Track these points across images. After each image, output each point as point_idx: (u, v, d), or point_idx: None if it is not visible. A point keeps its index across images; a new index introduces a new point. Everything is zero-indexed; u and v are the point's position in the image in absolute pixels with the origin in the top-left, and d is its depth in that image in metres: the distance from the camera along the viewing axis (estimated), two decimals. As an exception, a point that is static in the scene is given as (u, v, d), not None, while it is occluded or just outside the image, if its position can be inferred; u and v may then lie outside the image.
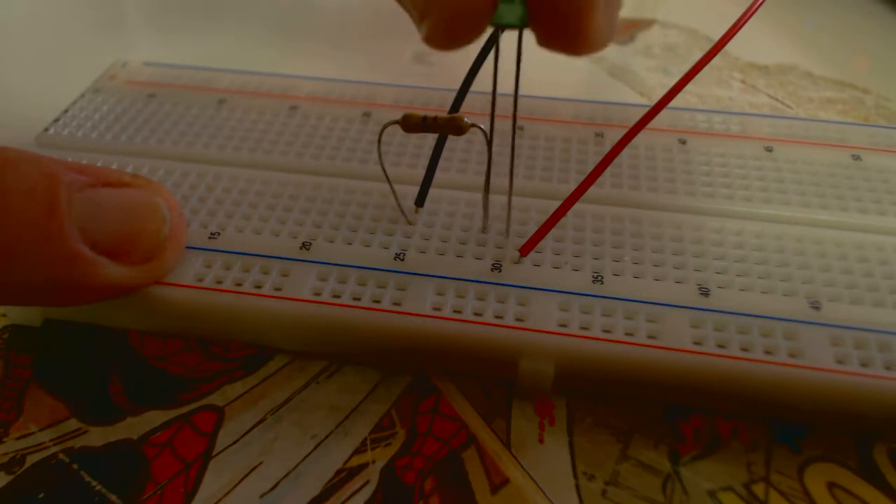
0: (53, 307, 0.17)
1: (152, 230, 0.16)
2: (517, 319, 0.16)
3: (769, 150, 0.20)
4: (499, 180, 0.18)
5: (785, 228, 0.18)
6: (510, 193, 0.17)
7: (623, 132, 0.16)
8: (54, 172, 0.14)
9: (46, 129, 0.21)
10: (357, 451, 0.15)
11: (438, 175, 0.18)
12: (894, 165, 0.20)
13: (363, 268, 0.17)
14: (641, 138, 0.20)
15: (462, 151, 0.20)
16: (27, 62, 0.27)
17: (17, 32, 0.29)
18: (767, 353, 0.15)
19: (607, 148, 0.16)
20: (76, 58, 0.26)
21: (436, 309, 0.16)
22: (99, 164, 0.20)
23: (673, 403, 0.16)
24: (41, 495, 0.14)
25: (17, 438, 0.15)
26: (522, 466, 0.15)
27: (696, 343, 0.15)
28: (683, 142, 0.20)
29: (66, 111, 0.22)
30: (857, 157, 0.20)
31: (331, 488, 0.15)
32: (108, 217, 0.15)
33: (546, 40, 0.14)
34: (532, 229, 0.17)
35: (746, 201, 0.18)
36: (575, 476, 0.15)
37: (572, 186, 0.17)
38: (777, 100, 0.25)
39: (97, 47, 0.28)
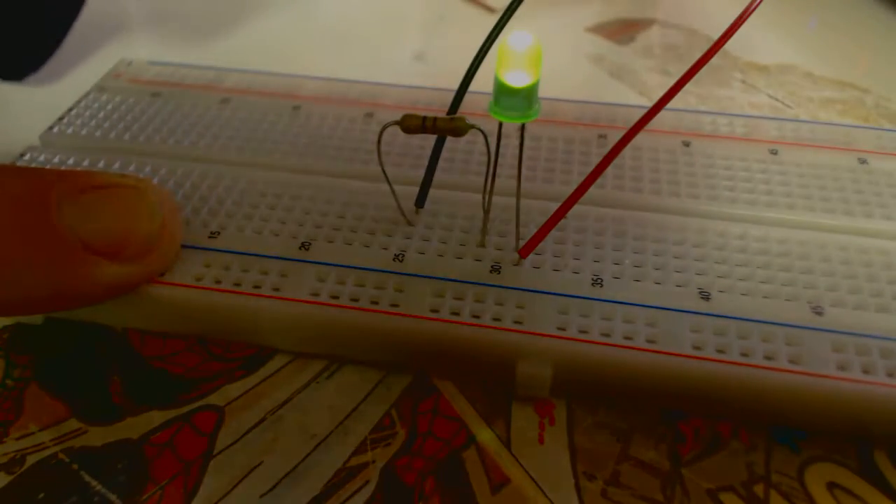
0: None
1: (144, 226, 0.16)
2: (515, 322, 0.16)
3: (774, 153, 0.20)
4: (500, 182, 0.18)
5: (788, 232, 0.18)
6: (491, 195, 0.17)
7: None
8: (41, 181, 0.15)
9: (51, 128, 0.21)
10: (357, 451, 0.15)
11: (439, 176, 0.18)
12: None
13: (362, 268, 0.17)
14: (645, 140, 0.20)
15: (463, 153, 0.20)
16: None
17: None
18: (768, 358, 0.15)
19: (610, 150, 0.16)
20: (81, 56, 0.26)
21: (434, 311, 0.16)
22: (102, 162, 0.20)
23: (671, 409, 0.16)
24: (41, 495, 0.15)
25: (17, 438, 0.15)
26: (522, 466, 0.15)
27: (696, 348, 0.15)
28: (687, 144, 0.20)
29: (70, 110, 0.22)
30: (863, 161, 0.20)
31: (331, 488, 0.15)
32: (99, 218, 0.15)
33: None
34: (532, 231, 0.17)
35: (750, 205, 0.18)
36: (575, 476, 0.15)
37: (574, 189, 0.17)
38: (777, 99, 0.25)
39: (102, 46, 0.28)
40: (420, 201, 0.18)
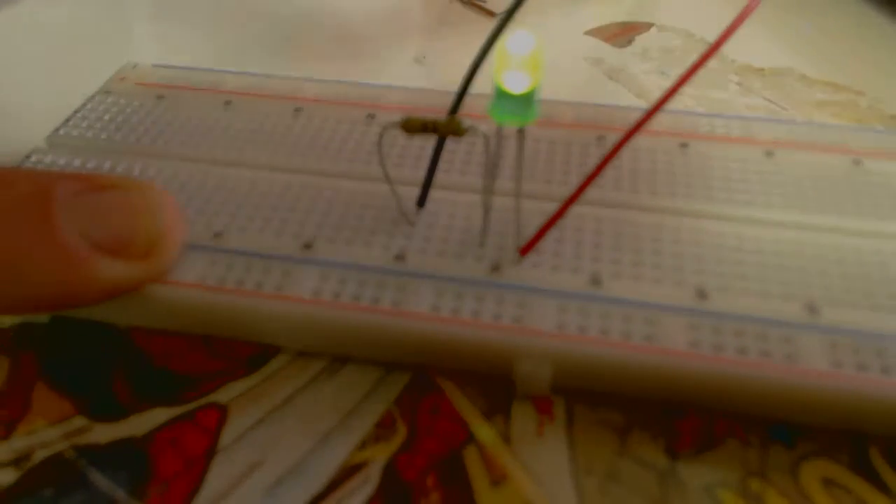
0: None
1: (147, 226, 0.16)
2: (515, 321, 0.16)
3: (770, 154, 0.20)
4: (500, 182, 0.18)
5: (784, 232, 0.18)
6: (490, 195, 0.17)
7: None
8: (45, 182, 0.15)
9: (57, 130, 0.21)
10: (359, 448, 0.15)
11: (440, 176, 0.19)
12: (895, 170, 0.20)
13: (363, 268, 0.17)
14: (642, 142, 0.20)
15: (464, 153, 0.20)
16: (37, 63, 0.28)
17: (27, 33, 0.29)
18: (763, 356, 0.15)
19: (608, 151, 0.16)
20: (86, 59, 0.27)
21: (434, 310, 0.16)
22: (107, 164, 0.20)
23: (669, 406, 0.16)
24: (49, 491, 0.15)
25: (25, 435, 0.16)
26: (522, 463, 0.15)
27: (693, 345, 0.15)
28: (685, 145, 0.20)
29: (76, 112, 0.22)
30: (857, 162, 0.20)
31: (333, 485, 0.15)
32: (102, 218, 0.15)
33: None
34: (532, 231, 0.17)
35: (746, 205, 0.19)
36: (574, 472, 0.15)
37: (573, 190, 0.17)
38: (772, 102, 0.26)
39: (107, 49, 0.28)
40: (421, 201, 0.19)
